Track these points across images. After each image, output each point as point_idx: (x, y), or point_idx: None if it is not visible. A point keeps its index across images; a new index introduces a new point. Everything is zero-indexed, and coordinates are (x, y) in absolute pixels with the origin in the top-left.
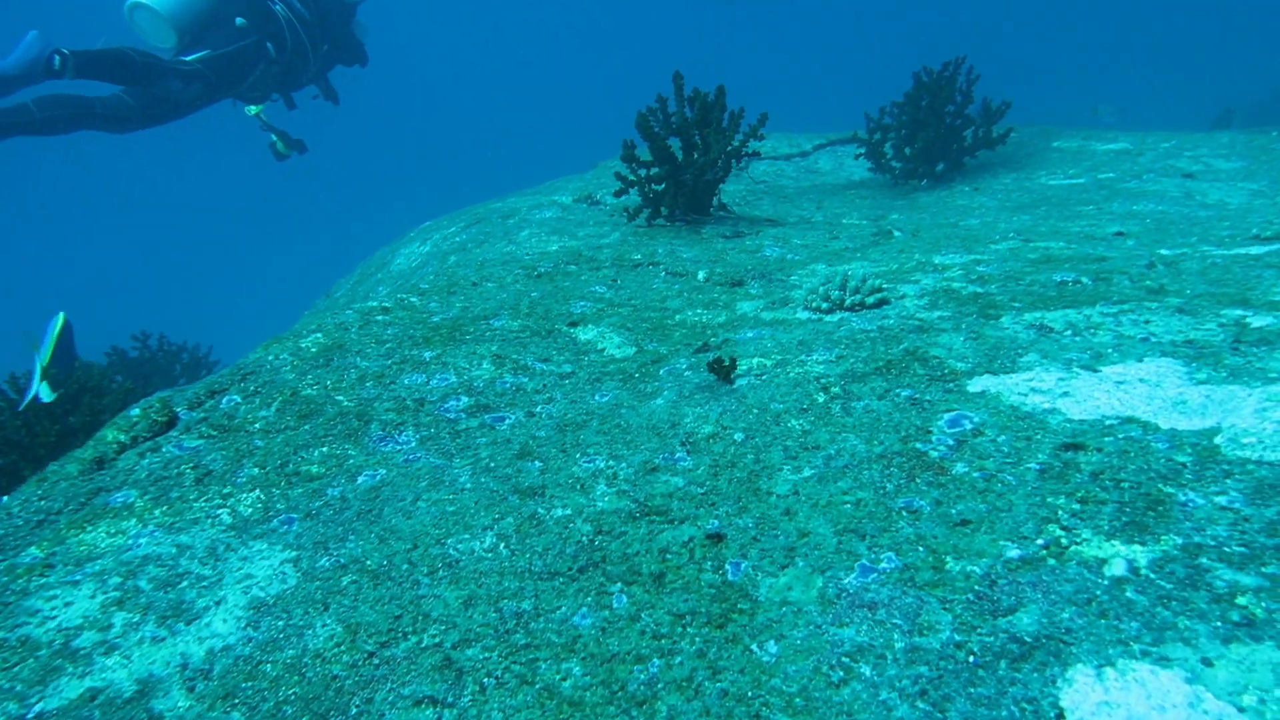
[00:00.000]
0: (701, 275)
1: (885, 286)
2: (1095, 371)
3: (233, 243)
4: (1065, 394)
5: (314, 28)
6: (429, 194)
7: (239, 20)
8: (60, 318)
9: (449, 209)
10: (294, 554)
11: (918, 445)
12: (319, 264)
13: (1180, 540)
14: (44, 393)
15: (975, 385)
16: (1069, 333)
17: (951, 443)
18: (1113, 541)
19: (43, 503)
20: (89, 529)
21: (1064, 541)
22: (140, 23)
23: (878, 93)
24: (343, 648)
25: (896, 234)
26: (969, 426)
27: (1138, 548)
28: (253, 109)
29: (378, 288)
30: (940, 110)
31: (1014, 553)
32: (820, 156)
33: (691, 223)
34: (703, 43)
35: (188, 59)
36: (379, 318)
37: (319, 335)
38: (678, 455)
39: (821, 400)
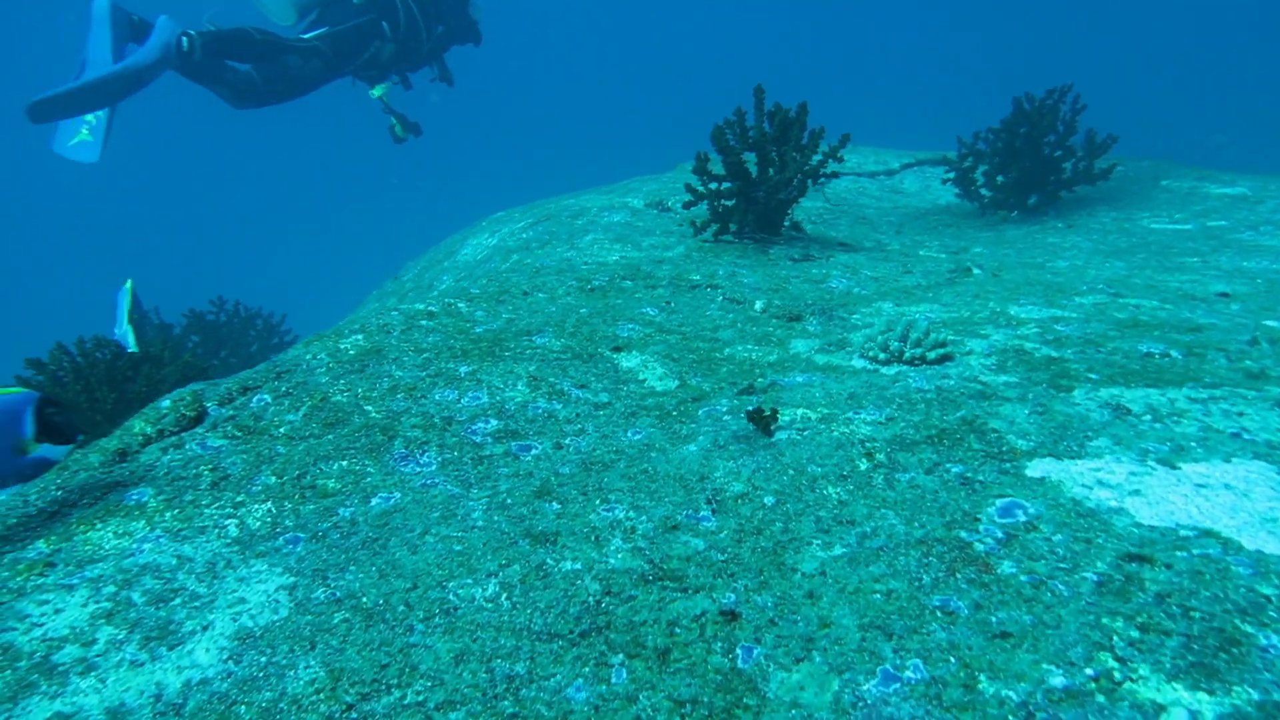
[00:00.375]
0: (759, 305)
1: (951, 339)
2: (1174, 468)
3: (317, 212)
4: (1136, 492)
5: (429, 7)
6: (512, 179)
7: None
8: (128, 284)
9: (530, 196)
10: (291, 580)
11: (962, 534)
12: (399, 238)
13: (1256, 695)
14: (130, 343)
15: (1035, 469)
16: (1148, 417)
17: (1001, 535)
18: (1174, 684)
19: (59, 493)
20: (98, 526)
21: (1117, 675)
22: (264, 1)
23: (976, 112)
24: (322, 695)
25: (976, 271)
26: (1022, 518)
27: (1204, 696)
28: (376, 91)
29: (442, 277)
30: (1038, 141)
31: (1058, 681)
32: (906, 176)
33: (760, 242)
34: (794, 41)
35: (306, 36)
36: (423, 322)
37: (359, 337)
38: (702, 514)
39: (864, 468)
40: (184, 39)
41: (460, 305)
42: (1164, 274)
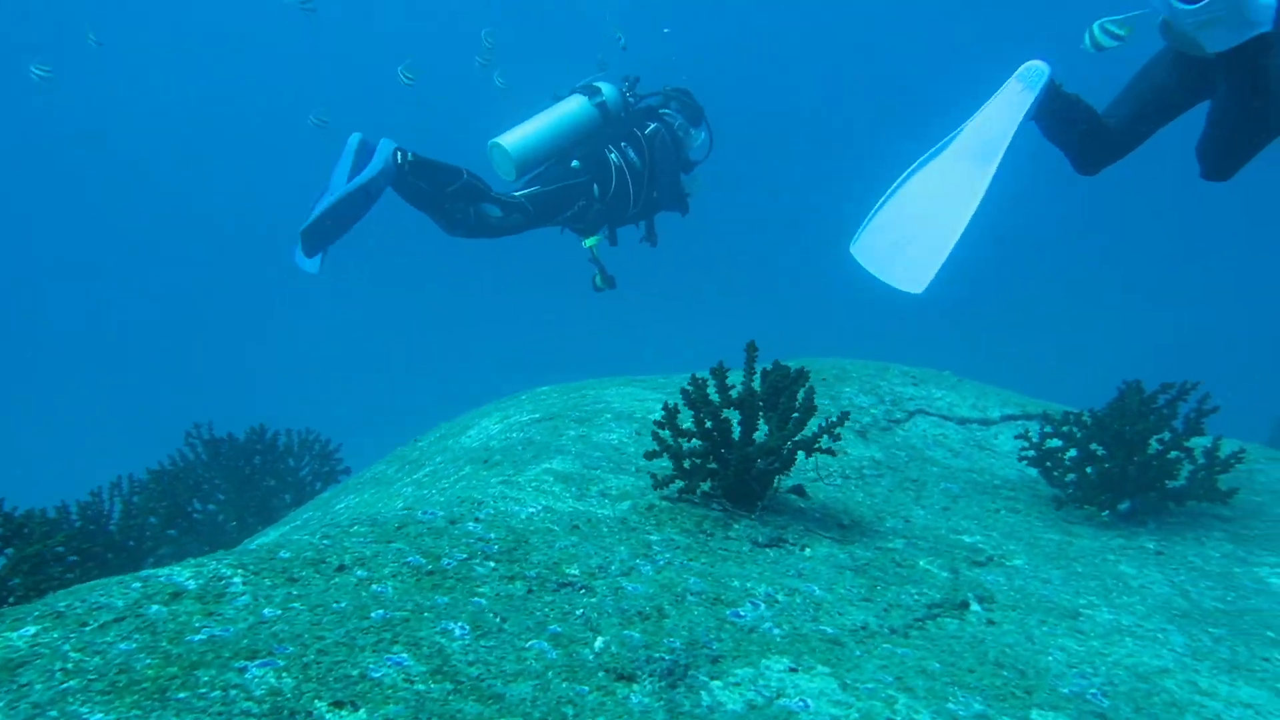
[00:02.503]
0: (600, 643)
1: None
2: None
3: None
4: None
5: (641, 176)
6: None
7: (575, 163)
8: None
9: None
10: None
11: None
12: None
13: None
14: None
15: None
16: None
17: None
18: None
19: None
20: None
21: None
22: (495, 158)
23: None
24: None
25: (973, 609)
26: None
27: None
28: (589, 242)
29: (435, 457)
30: (1136, 444)
31: None
32: (1004, 431)
33: (726, 512)
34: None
35: (516, 194)
36: (151, 609)
37: (29, 633)
38: None
39: None
40: (398, 153)
41: (235, 581)
42: (1224, 675)
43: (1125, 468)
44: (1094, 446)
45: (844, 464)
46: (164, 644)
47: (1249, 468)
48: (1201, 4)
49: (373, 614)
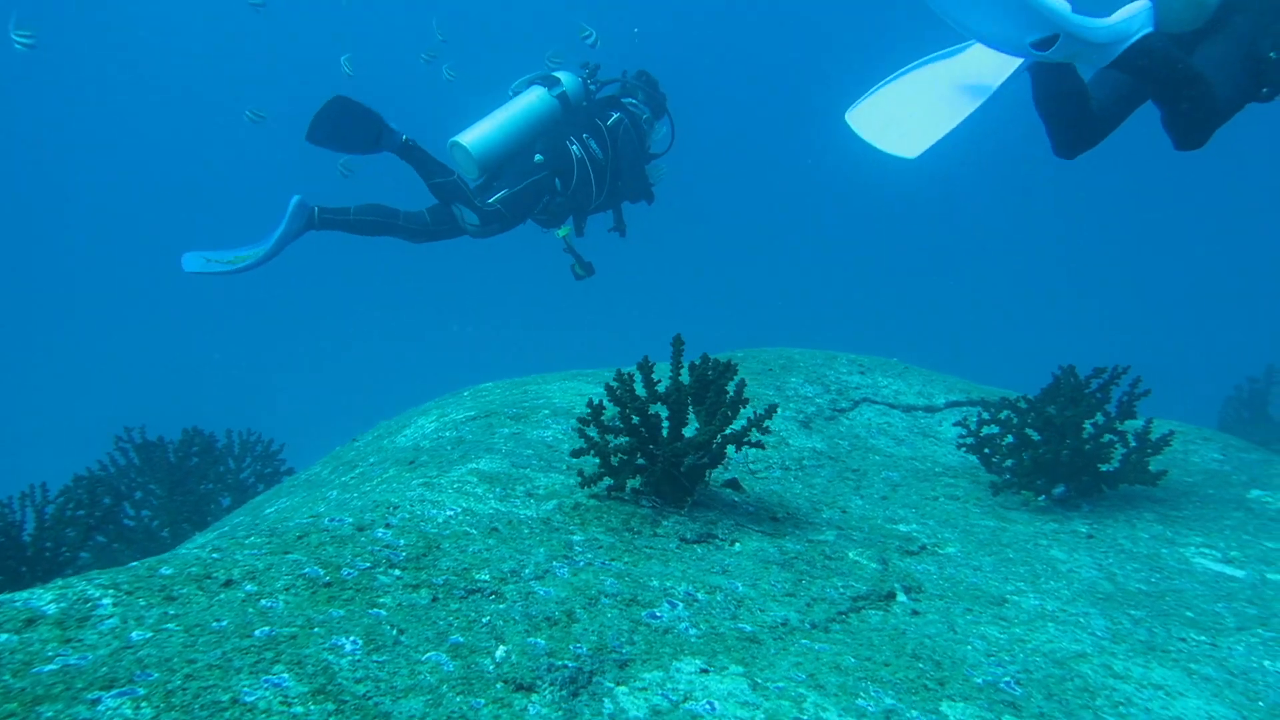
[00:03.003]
0: (500, 653)
1: None
2: None
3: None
4: None
5: (605, 168)
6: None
7: (538, 157)
8: None
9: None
10: None
11: None
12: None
13: None
14: None
15: None
16: None
17: None
18: None
19: None
20: None
21: None
22: (456, 157)
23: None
24: None
25: (899, 600)
26: None
27: None
28: (561, 231)
29: (369, 457)
30: (1067, 428)
31: None
32: (949, 418)
33: (656, 509)
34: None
35: (490, 201)
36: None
37: None
38: None
39: None
40: (405, 136)
41: (104, 602)
42: (1139, 658)
43: (1059, 452)
44: (1029, 432)
45: (785, 455)
46: (5, 677)
47: (1184, 448)
48: (1049, 52)
49: (256, 632)
